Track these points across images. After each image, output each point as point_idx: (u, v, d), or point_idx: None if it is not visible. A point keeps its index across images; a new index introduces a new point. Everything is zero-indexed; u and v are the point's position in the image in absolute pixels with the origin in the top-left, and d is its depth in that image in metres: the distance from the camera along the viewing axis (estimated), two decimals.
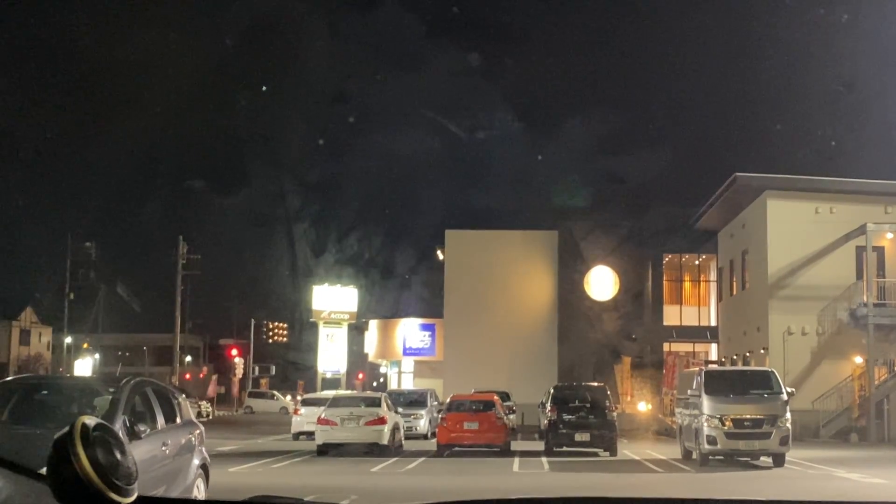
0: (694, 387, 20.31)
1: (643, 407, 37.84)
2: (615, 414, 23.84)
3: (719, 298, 41.49)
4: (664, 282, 44.58)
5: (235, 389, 62.19)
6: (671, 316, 43.97)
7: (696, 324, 43.68)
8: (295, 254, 57.51)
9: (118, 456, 1.90)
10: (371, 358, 54.83)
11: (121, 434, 7.29)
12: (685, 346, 43.08)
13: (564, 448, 22.42)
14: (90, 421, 1.90)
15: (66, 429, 1.87)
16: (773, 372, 20.85)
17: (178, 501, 5.64)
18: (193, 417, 10.97)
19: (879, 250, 31.07)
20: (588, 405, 22.87)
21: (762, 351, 32.12)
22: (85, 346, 58.81)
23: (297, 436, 27.96)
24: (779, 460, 19.22)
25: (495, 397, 25.45)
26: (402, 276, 57.15)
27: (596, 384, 26.11)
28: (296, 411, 29.80)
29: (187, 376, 60.97)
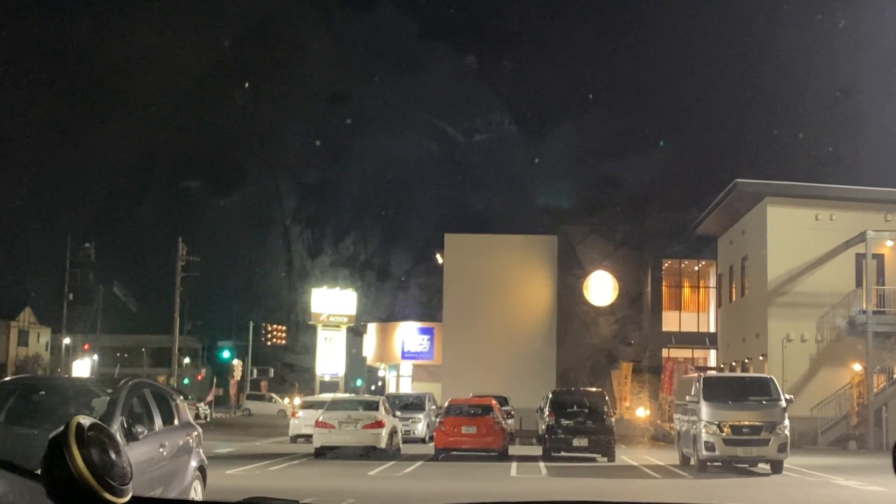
0: (692, 393, 20.30)
1: (641, 412, 37.82)
2: (613, 419, 23.83)
3: (718, 304, 41.47)
4: (663, 287, 44.57)
5: (233, 391, 62.14)
6: (670, 322, 43.95)
7: (695, 330, 43.65)
8: (293, 256, 57.52)
9: (113, 456, 1.89)
10: (369, 361, 54.82)
11: (118, 435, 7.29)
12: (684, 351, 43.04)
13: (562, 453, 22.40)
14: (85, 420, 1.89)
15: (61, 428, 1.86)
16: (771, 379, 20.83)
17: (174, 502, 5.62)
18: (191, 419, 10.96)
19: (879, 258, 31.07)
20: (586, 410, 22.86)
21: (761, 357, 32.10)
22: (85, 347, 58.75)
23: (294, 438, 27.97)
24: (777, 467, 19.21)
25: (493, 402, 25.44)
26: (401, 280, 57.18)
27: (594, 389, 26.10)
28: (294, 414, 29.80)
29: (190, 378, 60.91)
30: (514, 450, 24.85)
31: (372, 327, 51.65)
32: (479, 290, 43.84)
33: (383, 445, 22.31)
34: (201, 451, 10.26)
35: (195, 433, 10.21)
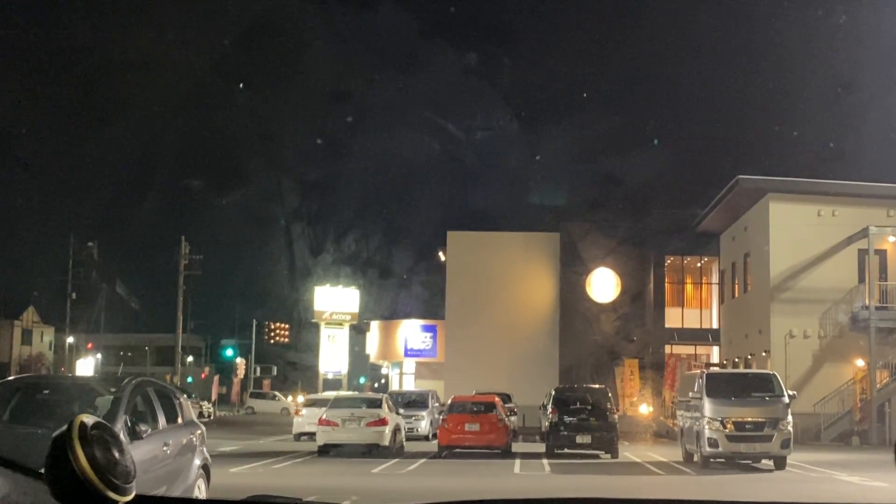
0: (695, 389, 20.29)
1: (644, 409, 37.82)
2: (616, 416, 23.83)
3: (721, 301, 41.45)
4: (666, 284, 44.53)
5: (236, 390, 62.21)
6: (672, 318, 43.93)
7: (698, 326, 43.63)
8: (296, 254, 57.60)
9: (116, 454, 1.90)
10: (372, 359, 54.81)
11: (122, 434, 7.31)
12: (686, 348, 43.03)
13: (565, 450, 22.40)
14: (88, 419, 1.90)
15: (65, 427, 1.86)
16: (774, 375, 20.83)
17: (177, 501, 5.63)
18: (195, 418, 10.97)
19: (881, 253, 31.02)
20: (589, 407, 22.86)
21: (764, 354, 32.08)
22: (89, 346, 58.84)
23: (298, 436, 27.98)
24: (780, 463, 19.20)
25: (496, 399, 25.44)
26: (404, 277, 57.21)
27: (597, 386, 26.10)
28: (297, 412, 29.82)
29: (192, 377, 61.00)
30: (517, 447, 24.85)
31: (375, 325, 51.65)
32: (481, 287, 43.85)
33: (387, 443, 22.32)
34: (205, 449, 10.26)
35: (199, 431, 10.21)
